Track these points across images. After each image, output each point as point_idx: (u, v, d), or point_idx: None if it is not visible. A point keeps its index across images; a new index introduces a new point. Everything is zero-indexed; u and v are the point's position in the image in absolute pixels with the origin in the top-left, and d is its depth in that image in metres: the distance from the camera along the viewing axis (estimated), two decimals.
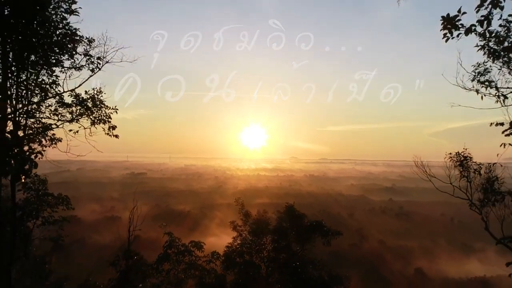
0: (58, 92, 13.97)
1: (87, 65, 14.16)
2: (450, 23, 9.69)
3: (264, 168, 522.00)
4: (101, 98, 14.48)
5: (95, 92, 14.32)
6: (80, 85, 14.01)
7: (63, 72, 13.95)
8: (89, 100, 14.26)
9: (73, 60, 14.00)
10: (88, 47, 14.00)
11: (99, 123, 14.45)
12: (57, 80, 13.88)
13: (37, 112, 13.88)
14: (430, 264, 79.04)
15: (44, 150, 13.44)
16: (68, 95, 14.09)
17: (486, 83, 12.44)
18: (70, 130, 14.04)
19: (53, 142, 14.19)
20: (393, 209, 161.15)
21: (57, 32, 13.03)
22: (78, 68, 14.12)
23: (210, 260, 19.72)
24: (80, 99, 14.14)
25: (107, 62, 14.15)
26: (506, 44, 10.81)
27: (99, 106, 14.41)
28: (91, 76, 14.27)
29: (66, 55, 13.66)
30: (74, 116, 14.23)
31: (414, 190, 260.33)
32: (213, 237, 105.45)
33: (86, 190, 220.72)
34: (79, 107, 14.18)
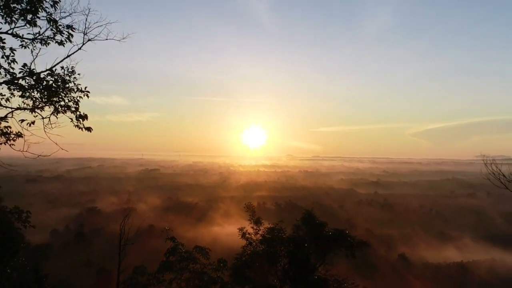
0: (11, 70, 9.58)
1: (52, 36, 9.77)
2: None
3: (263, 165, 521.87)
4: (73, 80, 10.06)
5: (65, 72, 9.91)
6: (53, 66, 9.78)
7: (24, 47, 9.73)
8: (53, 82, 9.85)
9: (38, 31, 9.62)
10: (52, 9, 9.53)
11: (65, 112, 10.02)
12: (12, 54, 9.49)
13: None
14: (411, 250, 78.60)
15: None
16: (21, 73, 9.63)
17: None
18: (22, 121, 9.57)
19: (9, 138, 9.85)
20: (378, 201, 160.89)
21: None
22: (44, 42, 9.79)
23: (216, 268, 16.35)
24: (35, 79, 9.64)
25: (89, 40, 10.23)
26: None
27: (65, 89, 10.02)
28: (69, 55, 9.89)
29: (23, 20, 9.35)
30: (35, 104, 9.83)
31: (397, 184, 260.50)
32: (217, 226, 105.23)
33: (106, 185, 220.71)
34: (41, 91, 9.77)
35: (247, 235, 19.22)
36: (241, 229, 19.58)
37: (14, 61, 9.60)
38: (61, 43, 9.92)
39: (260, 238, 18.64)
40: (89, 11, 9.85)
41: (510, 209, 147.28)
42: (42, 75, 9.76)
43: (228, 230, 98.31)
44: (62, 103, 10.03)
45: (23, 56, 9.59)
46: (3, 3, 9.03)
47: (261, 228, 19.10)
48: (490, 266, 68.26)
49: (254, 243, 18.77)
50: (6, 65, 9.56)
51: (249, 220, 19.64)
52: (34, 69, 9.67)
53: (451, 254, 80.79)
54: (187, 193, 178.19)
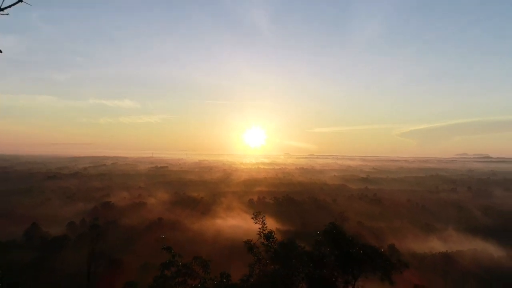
0: None
1: None
2: None
3: (262, 163, 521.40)
4: None
5: None
6: None
7: None
8: None
9: None
10: None
11: None
12: None
13: None
14: (400, 242, 78.00)
15: None
16: None
17: None
18: None
19: None
20: (368, 196, 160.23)
21: None
22: None
23: (219, 283, 13.10)
24: None
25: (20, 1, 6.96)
26: None
27: None
28: (2, 9, 6.75)
29: None
30: None
31: (385, 180, 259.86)
32: (220, 219, 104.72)
33: (119, 181, 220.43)
34: None
35: (254, 250, 14.74)
36: (247, 242, 15.15)
37: None
38: None
39: (271, 255, 14.36)
40: None
41: (487, 202, 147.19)
42: None
43: (230, 223, 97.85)
44: None
45: None
46: None
47: (273, 244, 14.62)
48: (472, 255, 67.76)
49: (263, 261, 14.43)
50: None
51: (258, 234, 15.30)
52: None
53: (436, 245, 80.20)
54: (193, 189, 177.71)
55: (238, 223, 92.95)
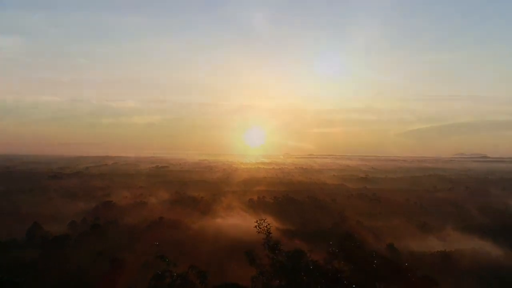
0: None
1: None
2: None
3: (262, 162, 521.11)
4: None
5: None
6: None
7: None
8: None
9: None
10: None
11: None
12: None
13: None
14: (398, 241, 77.70)
15: None
16: None
17: None
18: None
19: None
20: (367, 195, 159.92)
21: None
22: None
23: None
24: None
25: None
26: None
27: None
28: None
29: None
30: None
31: (384, 180, 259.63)
32: (220, 218, 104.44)
33: (120, 180, 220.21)
34: None
35: (257, 261, 12.90)
36: (249, 253, 13.40)
37: None
38: None
39: (277, 269, 12.18)
40: None
41: (485, 202, 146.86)
42: None
43: (230, 222, 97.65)
44: None
45: None
46: None
47: (280, 256, 12.13)
48: (471, 254, 67.47)
49: (266, 274, 12.32)
50: None
51: (263, 244, 13.61)
52: None
53: (435, 244, 79.80)
54: (194, 188, 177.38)
55: (238, 222, 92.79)
